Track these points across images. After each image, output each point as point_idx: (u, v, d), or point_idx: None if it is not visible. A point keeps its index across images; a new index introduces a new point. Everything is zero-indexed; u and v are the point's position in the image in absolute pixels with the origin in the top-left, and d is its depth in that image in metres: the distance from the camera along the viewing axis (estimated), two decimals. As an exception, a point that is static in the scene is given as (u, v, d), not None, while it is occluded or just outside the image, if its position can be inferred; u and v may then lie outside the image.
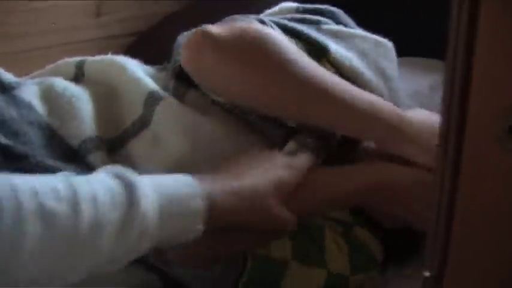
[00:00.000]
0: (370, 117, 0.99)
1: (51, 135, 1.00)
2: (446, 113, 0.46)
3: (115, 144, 1.04)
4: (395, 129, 0.99)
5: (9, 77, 1.08)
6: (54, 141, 0.99)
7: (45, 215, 0.68)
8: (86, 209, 0.71)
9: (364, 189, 1.00)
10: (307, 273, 0.97)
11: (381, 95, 1.08)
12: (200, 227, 0.82)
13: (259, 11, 1.24)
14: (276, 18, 1.11)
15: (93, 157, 0.99)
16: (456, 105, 0.45)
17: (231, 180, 0.88)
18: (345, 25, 1.17)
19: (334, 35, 1.13)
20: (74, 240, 0.70)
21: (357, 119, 0.99)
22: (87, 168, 0.96)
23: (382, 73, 1.13)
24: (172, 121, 1.02)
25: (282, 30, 1.06)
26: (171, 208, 0.78)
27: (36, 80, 1.10)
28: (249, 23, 1.02)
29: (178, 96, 1.06)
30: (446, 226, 0.49)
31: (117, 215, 0.73)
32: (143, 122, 1.04)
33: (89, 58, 1.16)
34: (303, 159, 0.97)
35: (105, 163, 0.96)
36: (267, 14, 1.20)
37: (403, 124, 1.00)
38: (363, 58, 1.12)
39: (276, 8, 1.23)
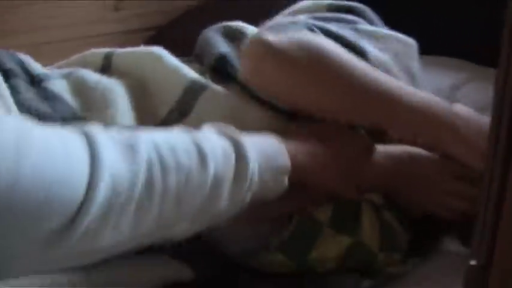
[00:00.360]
0: (426, 118, 1.01)
1: None
2: (498, 107, 0.46)
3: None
4: (450, 128, 1.01)
5: (36, 67, 1.08)
6: None
7: (181, 170, 0.73)
8: (211, 164, 0.76)
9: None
10: (337, 239, 1.00)
11: None
12: (286, 182, 0.87)
13: (278, 7, 1.24)
14: (315, 22, 1.11)
15: None
16: (508, 100, 0.45)
17: (305, 145, 0.94)
18: (376, 24, 1.20)
19: (370, 36, 1.14)
20: (203, 191, 0.76)
21: (414, 120, 1.01)
22: None
23: (410, 74, 1.15)
24: (219, 110, 1.03)
25: (323, 34, 1.08)
26: (266, 164, 0.84)
27: (64, 71, 1.09)
28: (300, 31, 1.05)
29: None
30: (495, 215, 0.49)
31: (231, 169, 0.79)
32: (181, 111, 1.04)
33: (119, 50, 1.15)
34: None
35: None
36: (296, 11, 1.21)
37: (456, 122, 1.01)
38: (395, 59, 1.14)
39: (305, 3, 1.23)
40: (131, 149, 0.71)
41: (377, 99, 1.01)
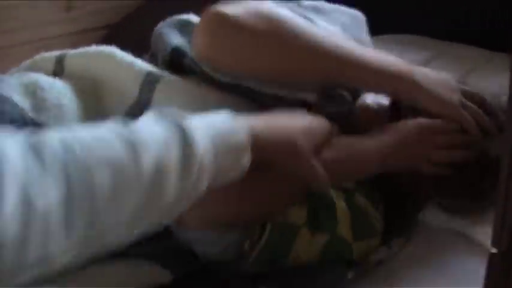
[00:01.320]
0: (385, 71, 1.04)
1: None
2: None
3: None
4: (409, 80, 1.04)
5: None
6: None
7: (107, 166, 0.68)
8: (144, 155, 0.71)
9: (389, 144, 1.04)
10: (314, 239, 0.98)
11: None
12: (246, 160, 0.82)
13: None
14: None
15: None
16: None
17: (266, 120, 0.89)
18: None
19: (316, 11, 1.14)
20: (140, 186, 0.70)
21: (373, 74, 1.03)
22: None
23: (361, 43, 1.13)
24: (177, 98, 1.01)
25: None
26: (221, 142, 0.78)
27: (15, 75, 1.07)
28: (260, 2, 1.03)
29: None
30: None
31: (176, 154, 0.73)
32: (141, 106, 1.01)
33: (70, 51, 1.13)
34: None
35: None
36: None
37: (415, 76, 1.04)
38: (344, 30, 1.14)
39: None
40: (36, 155, 0.66)
41: (336, 57, 1.02)
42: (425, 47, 1.55)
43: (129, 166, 0.69)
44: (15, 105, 0.97)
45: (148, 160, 0.70)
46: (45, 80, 1.04)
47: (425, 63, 1.47)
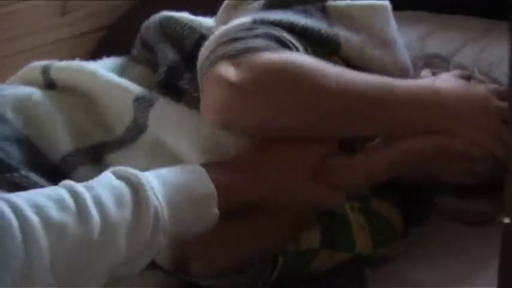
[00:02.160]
0: (413, 108, 0.96)
1: (31, 149, 0.96)
2: None
3: (101, 151, 1.00)
4: (435, 111, 0.97)
5: None
6: (35, 156, 0.96)
7: (53, 227, 0.67)
8: (94, 214, 0.70)
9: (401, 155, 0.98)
10: (334, 257, 0.97)
11: (386, 68, 1.05)
12: (215, 211, 0.80)
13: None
14: (277, 15, 1.01)
15: (76, 173, 0.95)
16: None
17: (242, 162, 0.87)
18: None
19: (341, 17, 1.06)
20: (88, 246, 0.69)
21: (406, 116, 0.96)
22: None
23: (387, 43, 1.09)
24: (170, 123, 0.99)
25: (289, 31, 0.99)
26: (179, 197, 0.77)
27: (10, 89, 1.06)
28: (261, 54, 0.93)
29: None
30: None
31: (126, 214, 0.72)
32: (139, 127, 1.00)
33: (55, 63, 1.10)
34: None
35: (89, 178, 0.90)
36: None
37: (440, 101, 0.97)
38: (370, 36, 1.06)
39: None
40: None
41: (364, 108, 0.94)
42: (424, 21, 1.53)
43: (77, 229, 0.68)
44: (9, 123, 0.98)
45: (98, 220, 0.69)
46: (38, 94, 1.03)
47: (426, 37, 1.47)
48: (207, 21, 1.11)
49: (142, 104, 1.00)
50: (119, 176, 0.76)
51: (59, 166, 0.96)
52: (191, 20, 1.10)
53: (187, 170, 0.81)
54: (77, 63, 1.09)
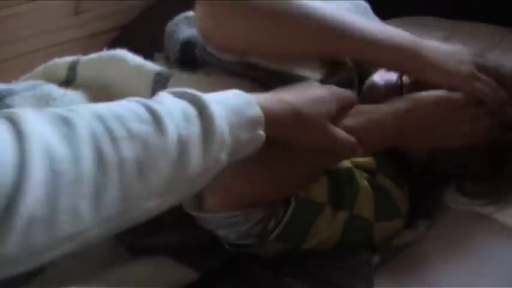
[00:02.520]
0: (387, 43, 1.01)
1: None
2: None
3: None
4: (414, 53, 1.01)
5: None
6: None
7: (135, 137, 0.68)
8: (169, 127, 0.71)
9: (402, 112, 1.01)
10: (335, 217, 0.97)
11: None
12: (262, 133, 0.81)
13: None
14: None
15: None
16: None
17: (271, 95, 0.88)
18: None
19: None
20: (167, 157, 0.70)
21: (380, 49, 1.01)
22: None
23: None
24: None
25: None
26: (235, 118, 0.78)
27: (28, 84, 1.07)
28: None
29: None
30: None
31: (196, 129, 0.73)
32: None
33: (84, 57, 1.13)
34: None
35: None
36: None
37: (422, 48, 1.02)
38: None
39: None
40: (67, 123, 0.65)
41: (335, 29, 0.99)
42: (439, 27, 1.53)
43: (157, 141, 0.70)
44: None
45: (173, 135, 0.71)
46: (56, 91, 1.04)
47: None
48: None
49: (160, 82, 1.03)
50: (180, 94, 0.77)
51: None
52: None
53: (238, 93, 0.83)
54: (107, 52, 1.12)
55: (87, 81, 1.09)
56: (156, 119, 0.71)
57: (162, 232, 0.96)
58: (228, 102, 0.79)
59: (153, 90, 1.02)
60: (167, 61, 1.12)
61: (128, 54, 1.09)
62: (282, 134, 0.86)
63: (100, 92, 1.06)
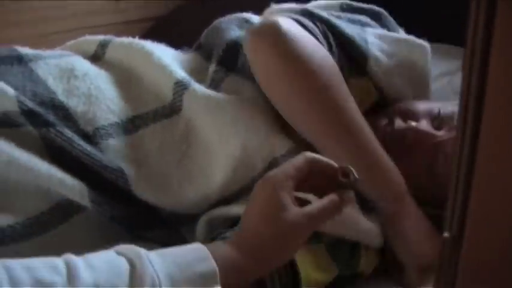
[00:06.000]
0: (382, 178, 1.04)
1: (66, 116, 1.00)
2: (468, 76, 0.47)
3: (134, 124, 1.05)
4: (401, 204, 1.05)
5: (25, 49, 1.09)
6: (68, 122, 0.99)
7: (42, 285, 0.67)
8: (85, 277, 0.70)
9: None
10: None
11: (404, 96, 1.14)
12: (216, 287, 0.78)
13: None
14: (324, 14, 1.13)
15: (106, 144, 1.00)
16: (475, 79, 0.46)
17: (247, 239, 0.83)
18: (390, 27, 1.20)
19: (380, 39, 1.15)
20: None
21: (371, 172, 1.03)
22: (100, 151, 0.98)
23: (413, 81, 1.17)
24: (200, 108, 1.05)
25: (327, 27, 1.10)
26: (181, 274, 0.76)
27: (56, 53, 1.10)
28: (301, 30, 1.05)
29: (216, 80, 1.09)
30: (465, 188, 0.50)
31: (120, 283, 0.71)
32: (173, 108, 1.06)
33: (116, 38, 1.16)
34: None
35: (117, 150, 1.00)
36: (315, 6, 1.21)
37: (404, 208, 1.05)
38: (399, 67, 1.15)
39: (318, 2, 1.24)
40: None
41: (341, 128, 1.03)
42: (453, 56, 1.55)
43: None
44: (47, 88, 1.02)
45: (89, 282, 0.70)
46: (80, 68, 1.07)
47: (455, 72, 1.50)
48: None
49: (179, 87, 1.06)
50: (120, 252, 0.76)
51: (91, 136, 1.00)
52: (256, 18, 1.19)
53: (195, 249, 0.79)
54: (137, 42, 1.15)
55: (113, 62, 1.12)
56: (70, 270, 0.70)
57: None
58: (176, 260, 0.76)
59: (174, 95, 1.06)
60: (199, 54, 1.16)
61: (156, 49, 1.12)
62: (252, 277, 0.83)
63: (123, 76, 1.09)
